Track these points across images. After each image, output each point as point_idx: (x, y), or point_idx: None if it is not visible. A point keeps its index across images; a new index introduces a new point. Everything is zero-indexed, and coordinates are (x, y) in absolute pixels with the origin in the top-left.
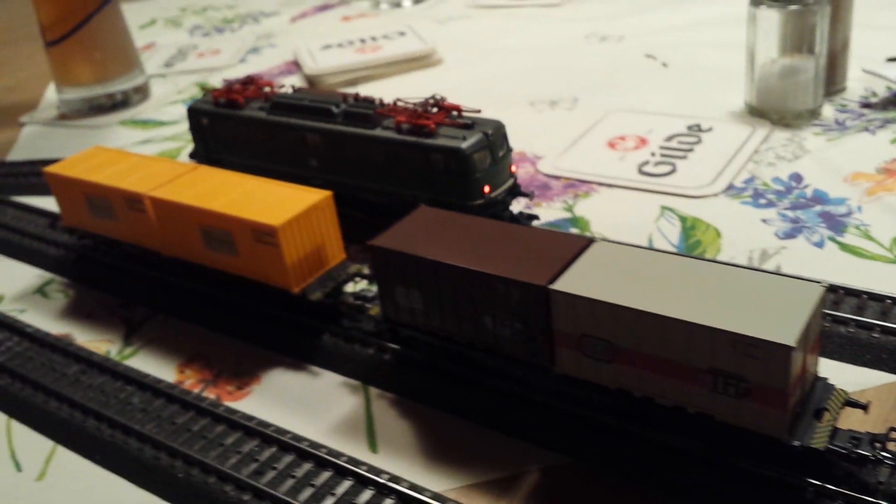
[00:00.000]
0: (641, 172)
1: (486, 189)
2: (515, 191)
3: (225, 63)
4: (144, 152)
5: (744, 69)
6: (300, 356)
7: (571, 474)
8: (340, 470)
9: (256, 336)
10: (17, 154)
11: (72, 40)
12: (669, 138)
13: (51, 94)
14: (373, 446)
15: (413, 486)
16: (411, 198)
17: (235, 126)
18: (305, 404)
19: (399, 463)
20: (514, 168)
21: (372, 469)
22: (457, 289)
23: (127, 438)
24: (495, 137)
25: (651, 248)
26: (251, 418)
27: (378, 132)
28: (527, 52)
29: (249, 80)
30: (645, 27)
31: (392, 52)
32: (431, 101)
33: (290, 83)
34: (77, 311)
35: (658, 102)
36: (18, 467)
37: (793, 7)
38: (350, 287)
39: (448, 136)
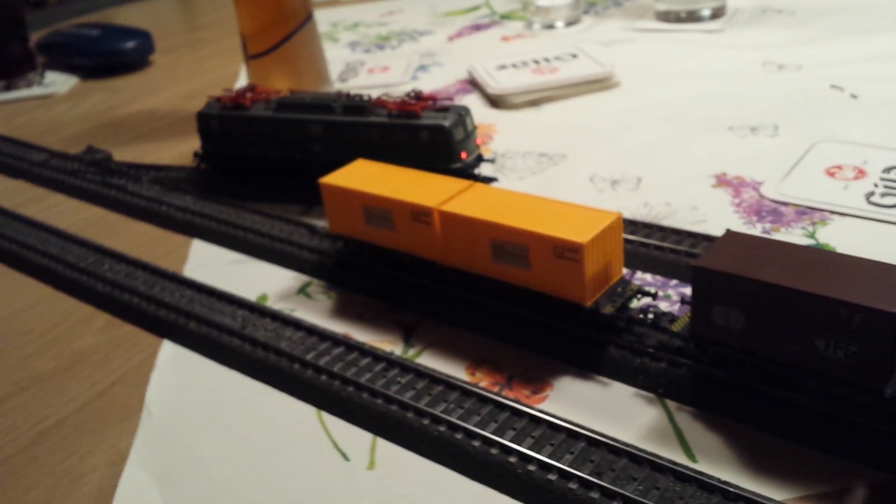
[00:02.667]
0: (870, 203)
1: (464, 155)
2: (480, 158)
3: (398, 80)
4: None
5: None
6: (587, 367)
7: None
8: (680, 476)
9: (541, 345)
10: None
11: (273, 55)
12: (888, 170)
13: None
14: (691, 456)
15: (757, 494)
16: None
17: (245, 124)
18: (605, 412)
19: (722, 473)
20: (479, 141)
21: (711, 476)
22: (788, 311)
23: (454, 433)
24: (466, 117)
25: None
26: (568, 421)
27: (373, 119)
28: (702, 77)
29: (251, 88)
30: (823, 57)
31: (571, 74)
32: (413, 94)
33: (466, 102)
34: (347, 312)
35: (861, 133)
36: (345, 457)
37: None
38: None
39: (431, 117)
